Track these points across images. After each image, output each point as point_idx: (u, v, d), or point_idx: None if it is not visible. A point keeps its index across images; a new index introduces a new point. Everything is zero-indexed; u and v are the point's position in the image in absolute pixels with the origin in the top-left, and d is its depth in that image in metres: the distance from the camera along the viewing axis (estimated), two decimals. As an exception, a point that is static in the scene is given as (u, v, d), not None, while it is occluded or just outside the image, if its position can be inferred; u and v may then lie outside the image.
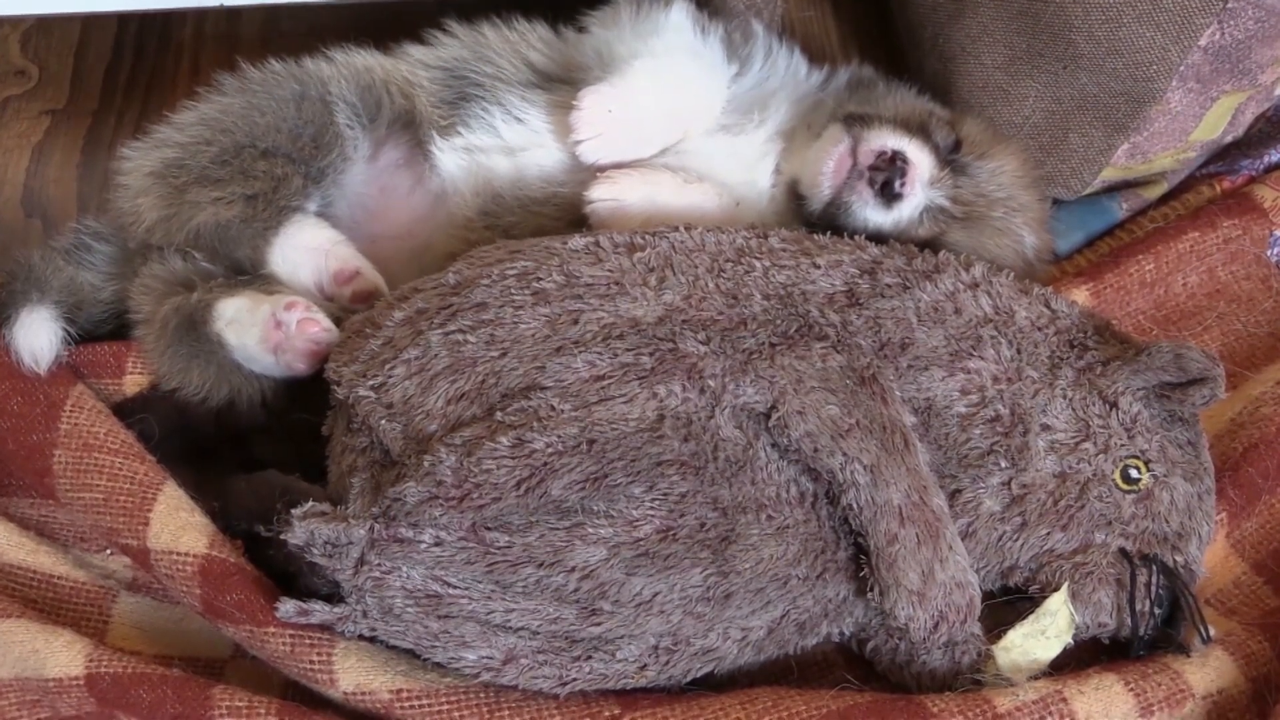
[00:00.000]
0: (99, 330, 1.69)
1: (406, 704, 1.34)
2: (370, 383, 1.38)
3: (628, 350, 1.37)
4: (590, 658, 1.34)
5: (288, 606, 1.34)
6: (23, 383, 1.57)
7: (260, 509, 1.41)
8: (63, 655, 1.40)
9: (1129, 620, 1.43)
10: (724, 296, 1.43)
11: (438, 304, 1.41)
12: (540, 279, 1.42)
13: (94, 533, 1.55)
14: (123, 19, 2.17)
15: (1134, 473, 1.43)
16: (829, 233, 1.52)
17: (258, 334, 1.51)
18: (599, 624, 1.33)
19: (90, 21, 2.16)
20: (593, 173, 1.58)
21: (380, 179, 1.69)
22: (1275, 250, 1.85)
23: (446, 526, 1.30)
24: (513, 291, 1.41)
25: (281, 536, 1.32)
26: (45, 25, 2.15)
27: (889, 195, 1.52)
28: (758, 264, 1.45)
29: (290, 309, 1.50)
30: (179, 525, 1.45)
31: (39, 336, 1.58)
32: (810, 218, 1.57)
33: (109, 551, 1.57)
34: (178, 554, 1.43)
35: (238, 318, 1.54)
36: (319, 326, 1.49)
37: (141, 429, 1.56)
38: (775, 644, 1.41)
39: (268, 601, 1.37)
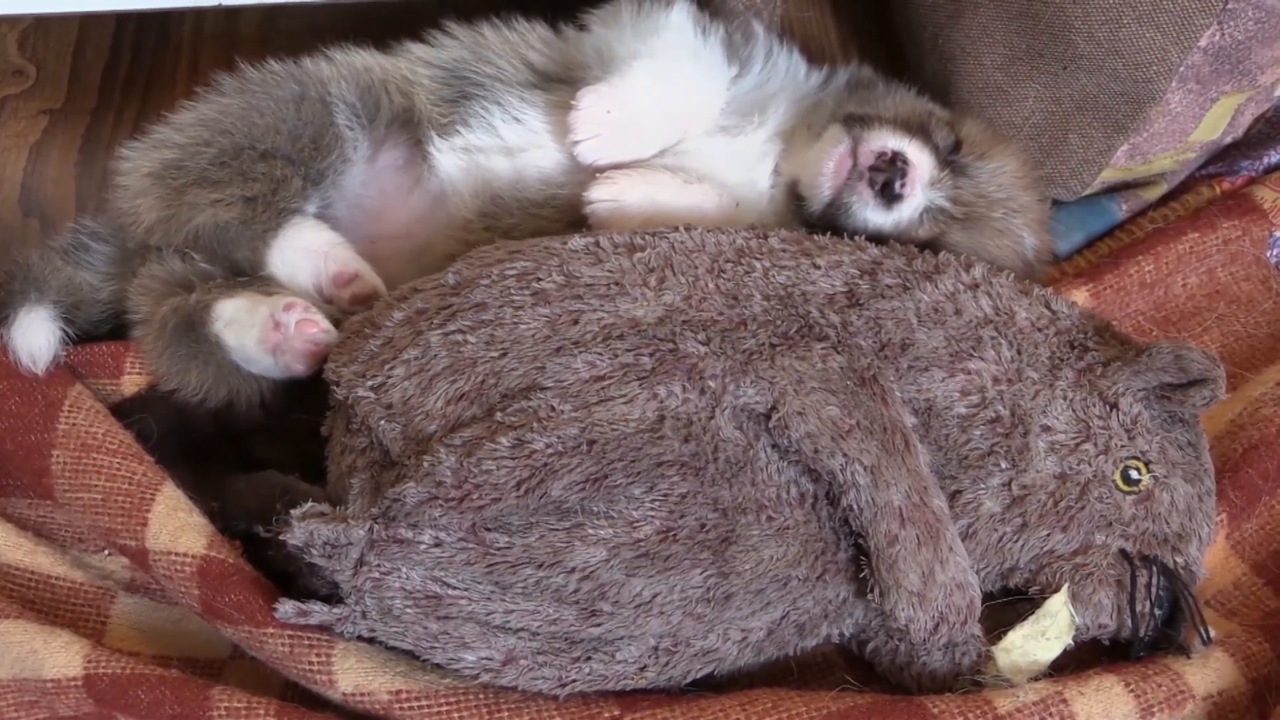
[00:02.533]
0: (97, 330, 1.68)
1: (406, 705, 1.34)
2: (370, 383, 1.38)
3: (628, 351, 1.37)
4: (590, 659, 1.34)
5: (286, 607, 1.34)
6: (21, 382, 1.57)
7: (259, 509, 1.41)
8: (61, 656, 1.40)
9: (1129, 621, 1.43)
10: (724, 297, 1.43)
11: (437, 304, 1.41)
12: (540, 279, 1.41)
13: (92, 533, 1.55)
14: (121, 18, 2.16)
15: (1134, 474, 1.43)
16: (829, 233, 1.52)
17: (256, 335, 1.51)
18: (599, 625, 1.33)
19: (88, 20, 2.16)
20: (592, 173, 1.58)
21: (379, 180, 1.68)
22: (1275, 251, 1.85)
23: (446, 527, 1.30)
24: (512, 292, 1.40)
25: (281, 537, 1.32)
26: (43, 24, 2.14)
27: (889, 196, 1.52)
28: (758, 264, 1.45)
29: (289, 310, 1.50)
30: (177, 526, 1.44)
31: (37, 336, 1.58)
32: (810, 218, 1.57)
33: (107, 552, 1.56)
34: (176, 554, 1.42)
35: (236, 318, 1.54)
36: (317, 328, 1.49)
37: (140, 429, 1.55)
38: (775, 645, 1.41)
39: (266, 602, 1.37)
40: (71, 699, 1.39)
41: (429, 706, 1.34)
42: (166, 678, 1.38)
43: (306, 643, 1.36)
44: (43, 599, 1.52)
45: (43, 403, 1.55)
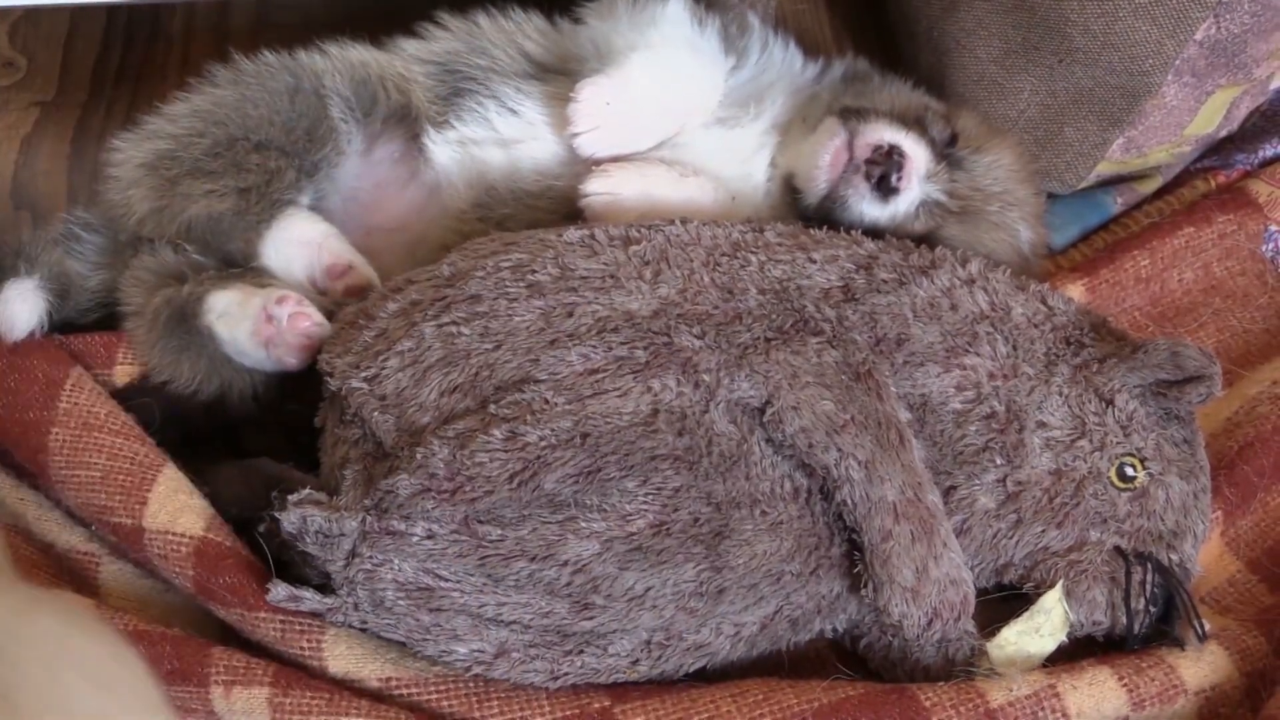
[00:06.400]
0: (84, 319, 1.68)
1: (395, 692, 1.34)
2: (363, 374, 1.37)
3: (622, 344, 1.37)
4: (582, 652, 1.34)
5: (279, 591, 1.34)
6: (20, 360, 1.55)
7: (251, 497, 1.41)
8: None
9: (1124, 618, 1.43)
10: (719, 291, 1.42)
11: (432, 296, 1.41)
12: (535, 271, 1.41)
13: (83, 512, 1.53)
14: (112, 10, 2.16)
15: (1130, 470, 1.43)
16: (825, 227, 1.52)
17: (249, 328, 1.51)
18: (591, 618, 1.32)
19: (79, 12, 2.15)
20: (587, 165, 1.57)
21: (374, 172, 1.68)
22: (1269, 245, 1.85)
23: (439, 519, 1.30)
24: (507, 284, 1.40)
25: (276, 515, 1.31)
26: (34, 16, 2.14)
27: (885, 189, 1.51)
28: (753, 258, 1.45)
29: (281, 303, 1.49)
30: (178, 506, 1.44)
31: (20, 304, 1.56)
32: (806, 211, 1.57)
33: (93, 527, 1.54)
34: (174, 534, 1.42)
35: (229, 311, 1.53)
36: (310, 321, 1.49)
37: (142, 415, 1.54)
38: (768, 640, 1.41)
39: (260, 586, 1.37)
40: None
41: (418, 694, 1.34)
42: (167, 634, 1.38)
43: (298, 628, 1.36)
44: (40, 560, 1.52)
45: (43, 381, 1.53)
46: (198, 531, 1.42)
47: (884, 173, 1.51)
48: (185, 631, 1.41)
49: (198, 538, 1.42)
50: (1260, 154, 1.95)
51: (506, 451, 1.30)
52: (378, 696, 1.35)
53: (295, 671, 1.36)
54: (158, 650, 1.36)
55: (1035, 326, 1.47)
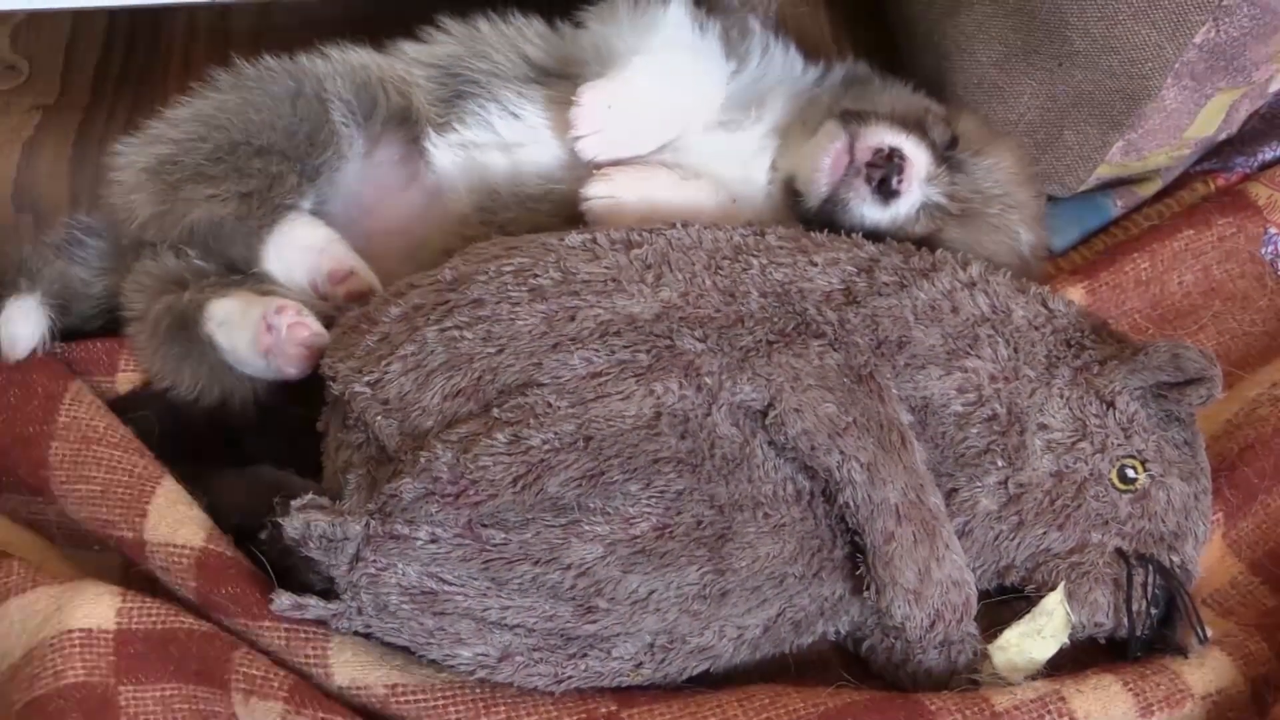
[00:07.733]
0: (88, 326, 1.68)
1: (402, 699, 1.34)
2: (366, 379, 1.37)
3: (625, 347, 1.37)
4: (586, 655, 1.34)
5: (283, 600, 1.33)
6: (20, 375, 1.56)
7: (251, 505, 1.41)
8: (91, 606, 1.38)
9: (1125, 620, 1.43)
10: (721, 294, 1.42)
11: (434, 300, 1.41)
12: (537, 275, 1.41)
13: (87, 526, 1.54)
14: (113, 14, 2.16)
15: (1130, 472, 1.43)
16: (826, 230, 1.52)
17: (249, 337, 1.51)
18: (594, 621, 1.32)
19: (81, 16, 2.15)
20: (589, 169, 1.57)
21: (376, 176, 1.68)
22: (1269, 248, 1.85)
23: (442, 523, 1.30)
24: (509, 288, 1.40)
25: (280, 520, 1.31)
26: (36, 20, 2.14)
27: (886, 192, 1.51)
28: (755, 261, 1.45)
29: (281, 312, 1.49)
30: (177, 518, 1.44)
31: (22, 323, 1.57)
32: (807, 214, 1.56)
33: (96, 549, 1.55)
34: (175, 546, 1.41)
35: (229, 320, 1.53)
36: (309, 331, 1.49)
37: (141, 426, 1.54)
38: (771, 642, 1.41)
39: (263, 596, 1.36)
40: (95, 652, 1.36)
41: (425, 700, 1.34)
42: (195, 633, 1.38)
43: (302, 636, 1.36)
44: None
45: (42, 395, 1.54)
46: (198, 543, 1.42)
47: (884, 176, 1.51)
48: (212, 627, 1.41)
49: (198, 549, 1.41)
50: (1260, 157, 1.95)
51: (510, 455, 1.30)
52: (387, 709, 1.35)
53: (311, 689, 1.36)
54: (184, 649, 1.36)
55: (1036, 329, 1.47)
